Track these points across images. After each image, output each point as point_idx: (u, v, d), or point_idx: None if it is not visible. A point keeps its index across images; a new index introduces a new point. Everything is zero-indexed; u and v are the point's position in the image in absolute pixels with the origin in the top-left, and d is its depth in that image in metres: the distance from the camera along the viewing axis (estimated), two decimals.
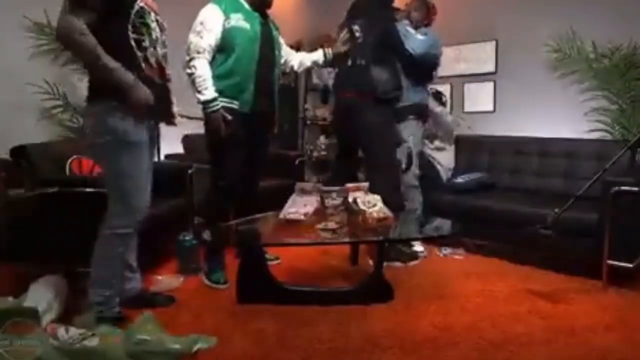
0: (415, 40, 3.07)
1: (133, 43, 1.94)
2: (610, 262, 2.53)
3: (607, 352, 1.90)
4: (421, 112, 3.24)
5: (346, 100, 3.06)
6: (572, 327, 2.11)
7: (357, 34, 2.98)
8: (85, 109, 2.07)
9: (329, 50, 2.98)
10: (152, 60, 2.03)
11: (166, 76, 2.15)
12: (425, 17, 3.24)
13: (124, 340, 1.82)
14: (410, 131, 3.16)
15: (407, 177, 3.14)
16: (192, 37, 2.57)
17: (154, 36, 2.03)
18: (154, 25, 2.04)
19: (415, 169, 3.19)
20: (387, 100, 2.99)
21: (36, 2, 3.33)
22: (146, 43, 1.99)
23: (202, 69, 2.54)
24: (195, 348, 1.89)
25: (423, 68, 3.17)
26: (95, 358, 1.73)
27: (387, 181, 2.90)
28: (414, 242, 3.22)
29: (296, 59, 3.00)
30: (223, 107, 2.60)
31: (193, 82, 2.55)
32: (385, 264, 2.83)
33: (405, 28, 3.12)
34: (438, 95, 3.72)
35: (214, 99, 2.55)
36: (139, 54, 1.97)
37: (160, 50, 2.08)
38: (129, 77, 1.88)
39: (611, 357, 1.88)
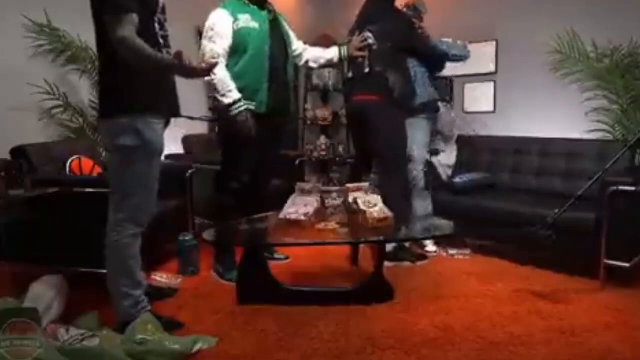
0: (457, 46, 3.19)
1: (161, 40, 1.95)
2: (607, 261, 2.53)
3: (606, 352, 1.90)
4: (433, 109, 3.27)
5: (363, 105, 3.04)
6: (572, 327, 2.11)
7: (371, 41, 2.98)
8: (106, 117, 1.98)
9: (345, 49, 2.98)
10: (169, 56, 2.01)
11: None
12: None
13: (124, 340, 1.82)
14: (422, 131, 3.17)
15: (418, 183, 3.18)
16: (206, 43, 2.60)
17: (165, 28, 2.02)
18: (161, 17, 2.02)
19: (421, 173, 3.20)
20: (402, 105, 3.01)
21: (36, 2, 3.34)
22: (167, 38, 2.00)
23: (221, 72, 2.56)
24: (196, 348, 1.89)
25: (441, 65, 3.29)
26: (95, 358, 1.73)
27: (396, 189, 2.94)
28: (426, 242, 3.24)
29: (309, 54, 3.01)
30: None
31: (214, 87, 2.57)
32: (392, 264, 2.86)
33: (439, 39, 3.17)
34: None
35: (239, 100, 2.58)
36: (165, 50, 1.97)
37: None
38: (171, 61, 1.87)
39: (611, 357, 1.88)
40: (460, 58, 3.25)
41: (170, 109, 2.07)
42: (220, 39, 2.59)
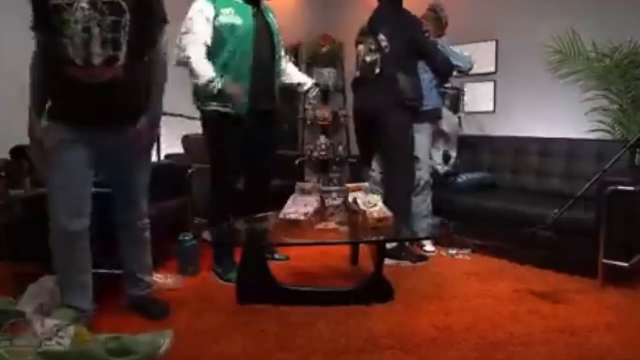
0: (463, 57, 3.25)
1: (61, 26, 1.80)
2: (606, 261, 2.53)
3: (606, 352, 1.90)
4: (437, 116, 3.30)
5: (372, 107, 3.07)
6: (572, 327, 2.11)
7: (384, 44, 3.00)
8: None
9: (314, 89, 2.94)
10: (78, 60, 1.83)
11: (114, 70, 1.87)
12: (436, 31, 3.28)
13: (97, 340, 1.79)
14: (425, 135, 3.18)
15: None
16: (184, 36, 2.52)
17: (78, 28, 1.81)
18: (79, 15, 1.81)
19: (426, 174, 3.21)
20: (412, 108, 3.02)
21: None
22: (66, 40, 1.81)
23: (196, 54, 2.48)
24: (162, 341, 1.84)
25: (448, 74, 3.31)
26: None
27: (401, 189, 3.00)
28: (425, 242, 3.25)
29: (288, 67, 2.95)
30: (217, 111, 2.58)
31: (190, 70, 2.50)
32: (393, 262, 2.87)
33: (447, 46, 3.22)
34: None
35: (213, 79, 2.48)
36: (59, 55, 1.83)
37: (97, 41, 1.83)
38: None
39: (611, 357, 1.88)
40: (463, 70, 3.31)
41: (77, 117, 1.90)
42: (199, 28, 2.51)
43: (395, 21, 3.04)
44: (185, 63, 2.51)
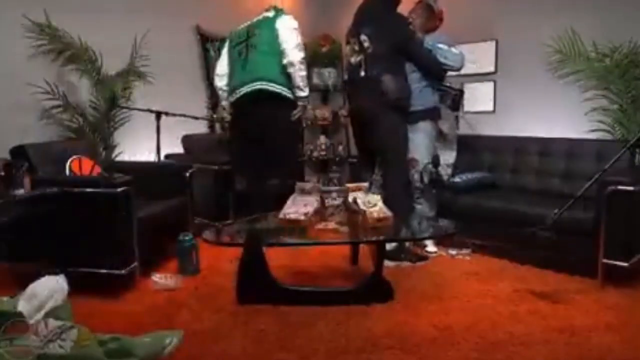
0: (452, 55, 3.13)
1: None
2: (606, 261, 2.53)
3: (606, 352, 1.90)
4: (436, 115, 3.25)
5: (362, 109, 3.09)
6: (571, 327, 2.11)
7: (366, 44, 2.98)
8: None
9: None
10: None
11: None
12: (427, 23, 3.24)
13: (97, 341, 1.80)
14: (421, 136, 3.14)
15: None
16: (301, 44, 3.03)
17: None
18: None
19: (425, 176, 3.19)
20: (400, 107, 3.01)
21: (36, 2, 3.34)
22: None
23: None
24: (169, 342, 1.86)
25: (441, 77, 3.25)
26: None
27: (397, 188, 3.01)
28: (427, 243, 3.25)
29: None
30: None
31: (302, 79, 3.04)
32: (393, 264, 2.86)
33: (434, 44, 3.14)
34: None
35: None
36: None
37: None
38: None
39: (611, 357, 1.88)
40: (452, 68, 3.17)
41: None
42: None
43: (378, 21, 3.01)
44: (303, 75, 3.04)
